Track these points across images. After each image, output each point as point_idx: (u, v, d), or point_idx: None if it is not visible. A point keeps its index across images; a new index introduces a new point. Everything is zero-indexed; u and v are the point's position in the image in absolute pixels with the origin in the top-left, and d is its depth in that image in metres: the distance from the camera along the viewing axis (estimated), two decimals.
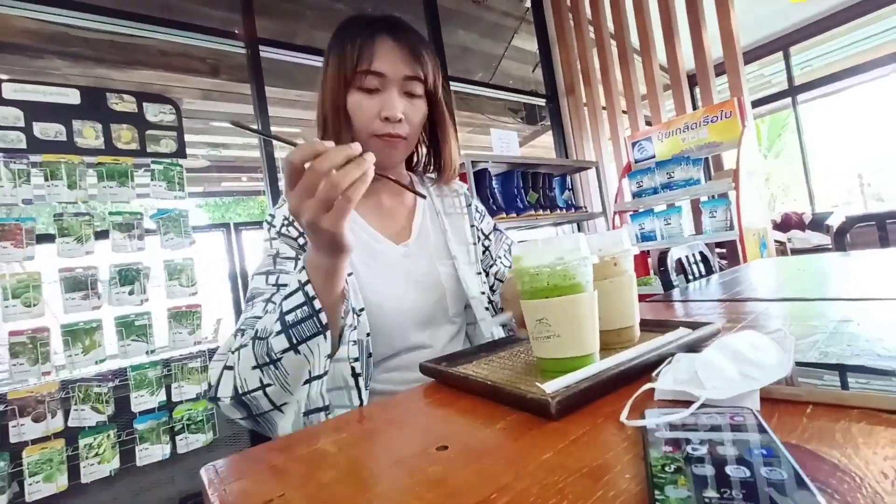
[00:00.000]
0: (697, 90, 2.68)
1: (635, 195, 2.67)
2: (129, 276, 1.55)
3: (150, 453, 1.51)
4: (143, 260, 1.60)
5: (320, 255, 0.48)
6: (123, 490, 1.48)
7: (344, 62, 0.65)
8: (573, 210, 2.67)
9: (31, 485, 1.29)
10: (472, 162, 2.12)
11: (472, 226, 0.80)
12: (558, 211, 2.54)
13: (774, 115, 6.86)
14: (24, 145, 1.42)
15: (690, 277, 1.16)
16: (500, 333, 0.73)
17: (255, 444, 0.39)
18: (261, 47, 2.20)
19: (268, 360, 0.49)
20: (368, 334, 0.61)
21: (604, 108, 3.15)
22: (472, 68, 3.66)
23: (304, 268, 0.50)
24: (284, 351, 0.48)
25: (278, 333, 0.48)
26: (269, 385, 0.50)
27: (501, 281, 0.78)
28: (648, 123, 2.96)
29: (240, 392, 0.50)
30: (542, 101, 3.46)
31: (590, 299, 0.42)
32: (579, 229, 3.19)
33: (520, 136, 3.77)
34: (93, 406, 1.42)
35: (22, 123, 1.42)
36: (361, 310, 0.63)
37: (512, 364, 0.49)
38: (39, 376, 1.35)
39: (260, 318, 0.58)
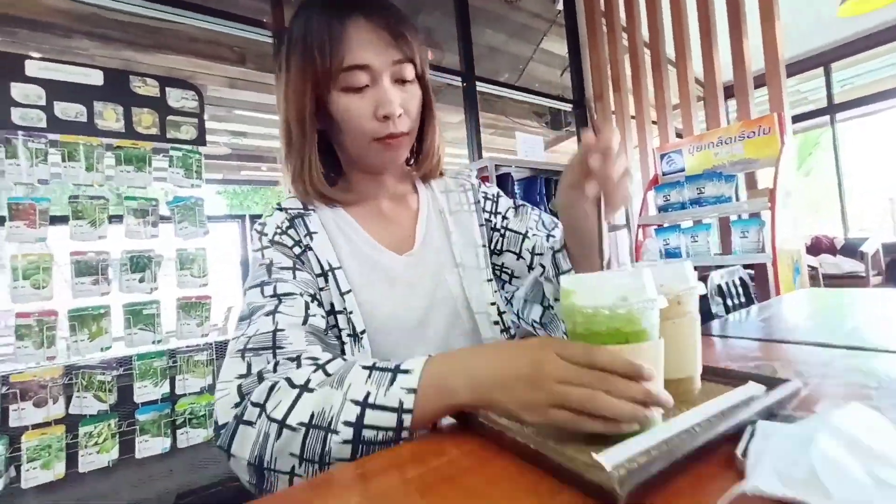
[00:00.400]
0: (731, 103, 2.57)
1: (661, 209, 2.57)
2: (140, 264, 1.53)
3: (150, 446, 1.48)
4: (155, 247, 1.57)
5: (480, 381, 0.39)
6: (121, 481, 1.45)
7: (312, 61, 0.54)
8: None
9: (27, 471, 1.27)
10: (496, 165, 2.05)
11: (482, 225, 0.69)
12: None
13: (806, 134, 6.64)
14: (43, 124, 1.39)
15: (729, 305, 1.07)
16: None
17: None
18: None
19: (317, 459, 0.40)
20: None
21: (632, 117, 3.05)
22: (499, 69, 3.58)
23: (415, 390, 0.40)
24: (340, 460, 0.40)
25: (345, 442, 0.40)
26: (298, 476, 0.42)
27: (541, 254, 0.66)
28: (679, 135, 2.85)
29: (264, 465, 0.42)
30: (568, 107, 3.37)
31: (655, 349, 0.35)
32: None
33: (543, 140, 3.69)
34: (95, 394, 1.39)
35: (43, 102, 1.40)
36: (363, 332, 0.56)
37: None
38: (44, 360, 1.33)
39: (267, 334, 0.48)
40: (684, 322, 0.42)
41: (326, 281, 0.58)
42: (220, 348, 1.65)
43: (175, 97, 1.65)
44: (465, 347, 0.42)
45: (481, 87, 2.83)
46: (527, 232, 0.69)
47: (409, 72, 0.57)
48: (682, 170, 2.61)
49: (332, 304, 0.57)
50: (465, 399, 0.40)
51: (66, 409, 1.35)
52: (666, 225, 2.55)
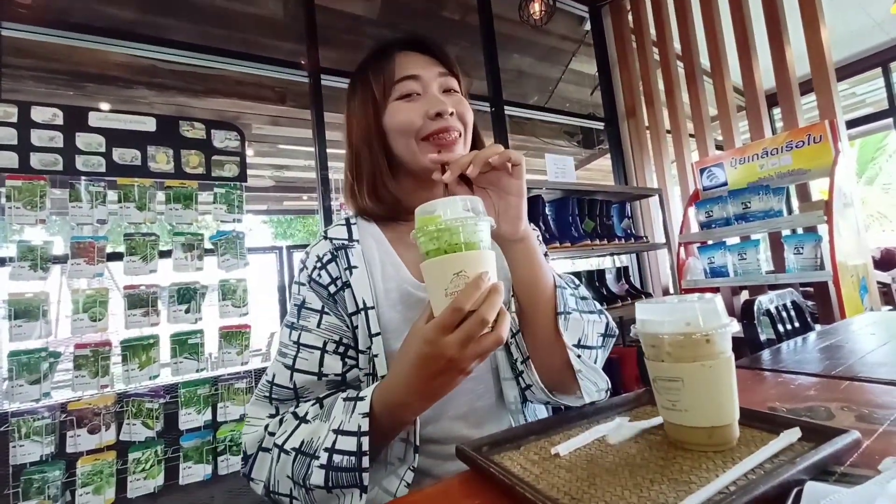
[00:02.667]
0: (776, 111, 2.44)
1: (703, 226, 2.44)
2: (186, 295, 1.61)
3: (194, 472, 1.52)
4: (200, 279, 1.65)
5: (427, 403, 0.46)
6: None
7: (370, 85, 0.61)
8: (632, 240, 2.49)
9: (81, 496, 1.33)
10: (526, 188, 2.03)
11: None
12: (616, 241, 2.37)
13: (867, 139, 6.17)
14: (103, 169, 1.53)
15: (781, 332, 0.98)
16: (515, 394, 0.61)
17: None
18: (322, 76, 2.27)
19: (301, 483, 0.47)
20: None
21: (668, 132, 2.96)
22: (528, 92, 3.60)
23: (368, 413, 0.46)
24: (318, 487, 0.46)
25: (320, 467, 0.46)
26: (295, 499, 0.49)
27: None
28: (719, 148, 2.73)
29: (269, 489, 0.50)
30: (600, 125, 3.32)
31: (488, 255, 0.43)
32: (639, 260, 2.97)
33: (575, 159, 3.64)
34: (143, 421, 1.46)
35: (103, 149, 1.54)
36: (383, 377, 0.54)
37: (570, 461, 0.39)
38: (98, 389, 1.41)
39: (289, 390, 0.54)
40: (718, 364, 0.38)
41: (359, 319, 0.57)
42: (260, 375, 1.70)
43: (219, 138, 1.77)
44: (395, 365, 0.47)
45: (510, 110, 2.84)
46: None
47: (455, 84, 0.62)
48: (725, 184, 2.48)
49: (359, 342, 0.57)
50: (411, 417, 0.48)
51: (118, 435, 1.43)
52: (710, 243, 2.42)
